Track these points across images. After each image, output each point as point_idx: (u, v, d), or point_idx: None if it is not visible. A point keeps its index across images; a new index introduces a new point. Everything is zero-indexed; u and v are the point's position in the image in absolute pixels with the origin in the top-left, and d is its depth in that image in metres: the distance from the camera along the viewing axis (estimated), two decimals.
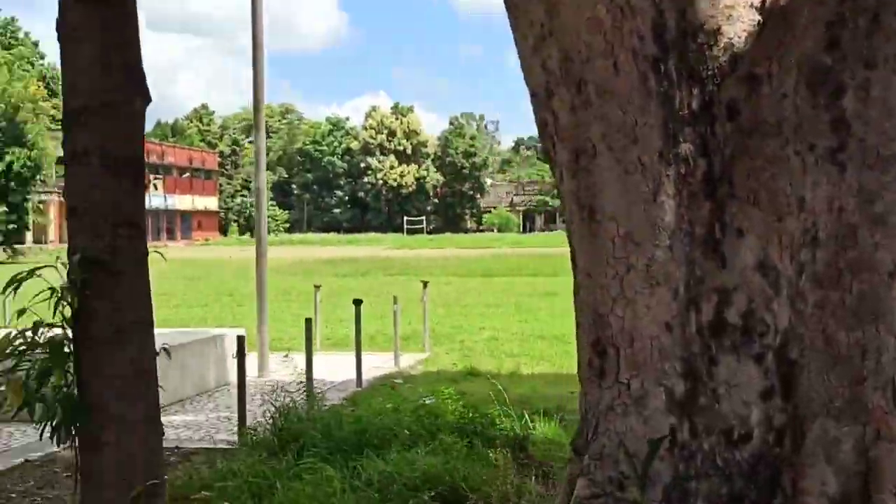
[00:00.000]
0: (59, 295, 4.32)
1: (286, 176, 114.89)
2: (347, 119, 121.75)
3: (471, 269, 41.41)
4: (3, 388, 4.61)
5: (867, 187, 3.62)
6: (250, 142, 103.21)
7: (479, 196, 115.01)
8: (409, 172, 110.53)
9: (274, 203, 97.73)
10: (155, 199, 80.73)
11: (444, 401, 8.72)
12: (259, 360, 13.78)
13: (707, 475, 3.83)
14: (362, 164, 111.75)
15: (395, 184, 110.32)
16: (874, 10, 3.60)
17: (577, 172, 4.15)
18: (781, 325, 3.80)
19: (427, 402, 8.71)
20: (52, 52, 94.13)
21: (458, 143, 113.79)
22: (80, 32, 4.51)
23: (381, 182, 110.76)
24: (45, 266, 4.40)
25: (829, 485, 3.67)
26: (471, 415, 8.34)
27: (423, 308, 16.83)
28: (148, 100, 4.73)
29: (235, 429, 9.33)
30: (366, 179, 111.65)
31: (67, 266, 4.40)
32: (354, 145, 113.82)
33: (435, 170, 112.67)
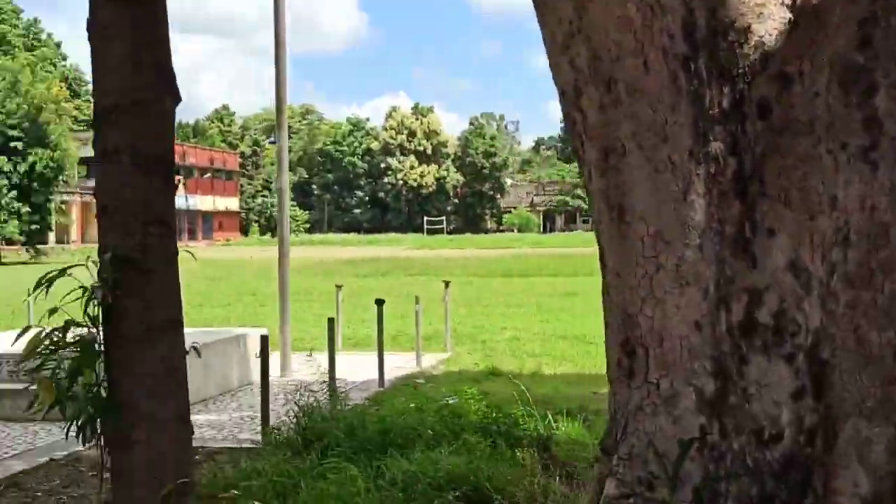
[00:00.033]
0: (91, 293, 4.34)
1: (306, 176, 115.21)
2: (367, 119, 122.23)
3: (491, 269, 41.37)
4: (32, 386, 4.64)
5: None
6: (271, 142, 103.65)
7: (499, 196, 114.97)
8: (429, 173, 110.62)
9: (294, 203, 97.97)
10: (177, 199, 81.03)
11: (467, 401, 8.70)
12: (281, 360, 13.80)
13: (737, 475, 3.81)
14: (382, 165, 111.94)
15: (415, 184, 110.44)
16: None
17: (607, 171, 4.13)
18: (813, 325, 3.78)
19: (450, 401, 8.70)
20: (74, 54, 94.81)
21: (478, 143, 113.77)
22: (110, 31, 4.52)
23: (401, 182, 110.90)
24: (77, 265, 4.42)
25: (862, 485, 3.65)
26: (494, 415, 8.31)
27: (444, 308, 16.80)
28: (178, 99, 4.74)
29: (258, 428, 9.35)
30: (386, 180, 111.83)
31: (98, 264, 4.41)
32: (375, 146, 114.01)
33: (455, 170, 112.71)
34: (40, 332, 4.40)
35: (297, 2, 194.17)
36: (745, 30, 3.80)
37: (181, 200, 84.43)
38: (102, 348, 4.49)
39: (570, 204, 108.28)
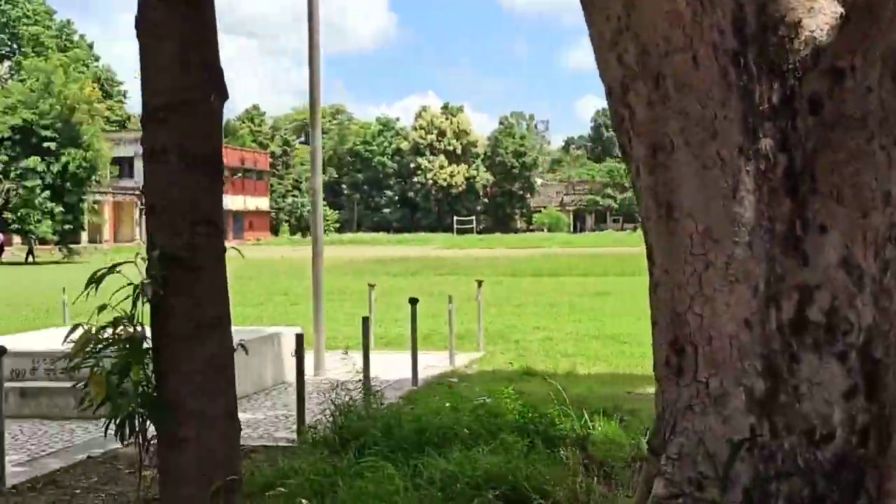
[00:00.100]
0: (140, 291, 4.35)
1: (336, 176, 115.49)
2: (397, 119, 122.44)
3: (521, 268, 41.28)
4: (78, 385, 4.66)
5: None
6: (301, 142, 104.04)
7: (529, 196, 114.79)
8: (458, 172, 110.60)
9: (325, 203, 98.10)
10: None
11: (503, 400, 8.68)
12: (315, 359, 13.83)
13: (788, 476, 3.77)
14: (412, 164, 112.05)
15: (444, 184, 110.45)
16: None
17: (655, 168, 4.09)
18: (865, 323, 3.74)
19: (486, 401, 8.68)
20: (106, 54, 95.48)
21: (507, 142, 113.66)
22: (161, 30, 4.54)
23: (430, 182, 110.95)
24: (126, 262, 4.44)
25: None
26: (530, 414, 8.29)
27: (477, 307, 16.78)
28: (225, 97, 4.76)
29: (294, 427, 9.37)
30: (416, 179, 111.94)
31: (147, 262, 4.43)
32: (404, 145, 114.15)
33: (485, 169, 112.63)
34: (89, 330, 4.42)
35: (328, 2, 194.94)
36: (796, 25, 3.76)
37: None
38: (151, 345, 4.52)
39: (601, 203, 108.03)
